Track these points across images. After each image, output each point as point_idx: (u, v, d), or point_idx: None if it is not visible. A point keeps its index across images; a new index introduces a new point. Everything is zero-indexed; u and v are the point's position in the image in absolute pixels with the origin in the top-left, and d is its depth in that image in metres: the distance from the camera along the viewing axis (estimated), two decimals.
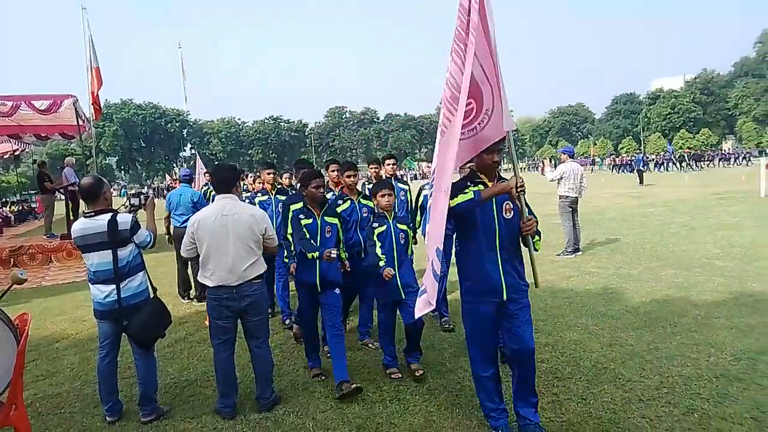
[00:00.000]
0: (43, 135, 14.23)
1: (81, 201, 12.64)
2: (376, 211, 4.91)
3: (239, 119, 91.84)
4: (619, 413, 3.55)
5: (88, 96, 12.67)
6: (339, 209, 4.88)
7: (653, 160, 49.68)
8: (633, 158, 40.75)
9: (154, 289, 4.04)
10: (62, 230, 12.34)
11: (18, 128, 13.08)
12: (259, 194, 6.38)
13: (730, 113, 76.76)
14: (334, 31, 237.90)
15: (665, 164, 46.42)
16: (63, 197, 13.64)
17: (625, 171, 45.23)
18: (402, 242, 4.46)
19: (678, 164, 45.30)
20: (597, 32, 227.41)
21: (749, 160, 48.02)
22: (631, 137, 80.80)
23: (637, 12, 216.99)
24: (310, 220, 4.37)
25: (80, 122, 11.92)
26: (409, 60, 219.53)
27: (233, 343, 3.96)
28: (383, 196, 4.50)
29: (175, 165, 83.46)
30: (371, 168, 6.59)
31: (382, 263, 4.29)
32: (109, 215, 3.77)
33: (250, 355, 4.05)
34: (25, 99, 10.57)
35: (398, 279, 4.35)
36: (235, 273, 3.77)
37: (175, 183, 14.35)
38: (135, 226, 3.84)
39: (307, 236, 4.35)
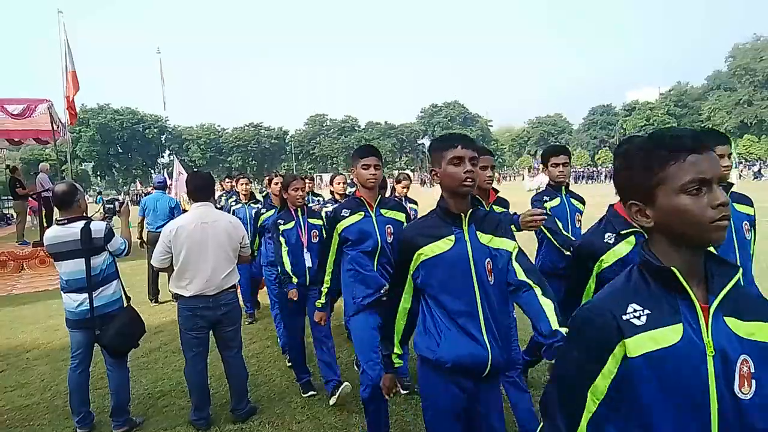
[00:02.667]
0: (16, 140, 13.92)
1: (53, 208, 12.45)
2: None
3: (219, 126, 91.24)
4: None
5: (63, 100, 12.48)
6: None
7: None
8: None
9: (128, 298, 3.98)
10: (35, 237, 12.08)
11: None
12: (348, 212, 3.23)
13: (703, 125, 78.46)
14: (316, 38, 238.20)
15: None
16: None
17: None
18: None
19: None
20: (575, 43, 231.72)
21: None
22: (607, 148, 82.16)
23: (614, 23, 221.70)
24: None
25: (55, 127, 11.72)
26: (390, 68, 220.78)
27: (206, 354, 3.90)
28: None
29: (153, 171, 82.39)
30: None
31: None
32: (82, 223, 3.72)
33: (224, 365, 4.00)
34: None
35: None
36: (213, 282, 3.73)
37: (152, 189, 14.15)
38: (109, 233, 3.79)
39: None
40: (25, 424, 4.09)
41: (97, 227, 3.75)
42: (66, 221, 3.74)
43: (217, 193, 8.20)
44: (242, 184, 6.58)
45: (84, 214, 3.86)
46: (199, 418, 3.83)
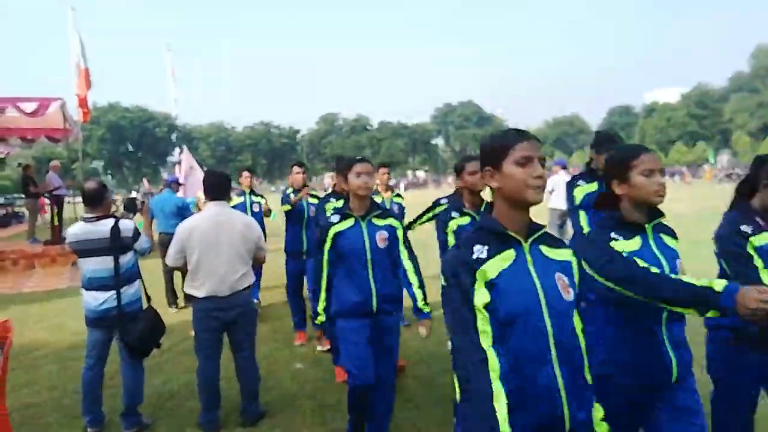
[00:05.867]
0: (29, 138, 13.98)
1: (64, 206, 12.45)
2: None
3: (229, 124, 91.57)
4: None
5: (74, 98, 12.51)
6: None
7: None
8: None
9: (149, 298, 3.98)
10: (46, 236, 12.11)
11: (4, 131, 12.84)
12: None
13: (725, 127, 77.05)
14: (328, 36, 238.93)
15: None
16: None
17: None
18: None
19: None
20: (594, 42, 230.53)
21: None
22: None
23: (634, 23, 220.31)
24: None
25: (67, 126, 11.76)
26: (404, 67, 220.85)
27: (219, 356, 3.86)
28: None
29: (163, 170, 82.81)
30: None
31: None
32: (111, 221, 3.73)
33: (235, 367, 3.95)
34: (12, 101, 10.37)
35: None
36: (226, 283, 3.68)
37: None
38: (136, 232, 3.83)
39: None
40: (33, 422, 4.06)
41: (126, 226, 3.77)
42: (95, 219, 3.73)
43: (271, 194, 7.08)
44: (384, 173, 4.48)
45: (109, 212, 3.87)
46: (209, 420, 3.79)
